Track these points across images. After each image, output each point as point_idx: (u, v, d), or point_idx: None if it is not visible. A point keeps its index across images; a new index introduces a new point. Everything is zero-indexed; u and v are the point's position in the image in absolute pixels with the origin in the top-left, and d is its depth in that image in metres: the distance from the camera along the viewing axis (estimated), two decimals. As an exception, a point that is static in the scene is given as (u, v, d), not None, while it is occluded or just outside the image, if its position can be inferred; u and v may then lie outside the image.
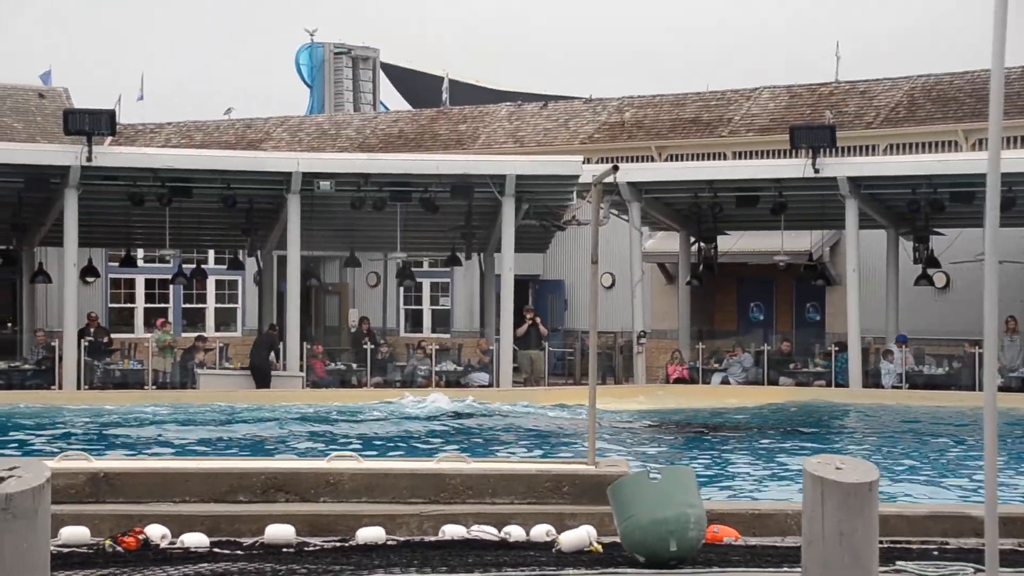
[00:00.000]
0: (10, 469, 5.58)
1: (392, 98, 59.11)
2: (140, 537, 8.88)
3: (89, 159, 27.39)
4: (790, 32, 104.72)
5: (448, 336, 35.88)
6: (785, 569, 8.07)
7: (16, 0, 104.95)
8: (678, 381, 30.29)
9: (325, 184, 28.67)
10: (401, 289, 36.53)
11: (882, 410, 26.55)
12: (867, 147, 35.53)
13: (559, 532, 9.18)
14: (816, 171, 28.50)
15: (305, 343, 29.45)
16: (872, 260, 30.64)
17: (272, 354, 29.05)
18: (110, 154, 28.96)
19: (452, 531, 9.37)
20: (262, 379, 28.51)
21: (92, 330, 29.68)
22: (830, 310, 33.51)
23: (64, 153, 28.13)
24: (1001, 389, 25.25)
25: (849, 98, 37.82)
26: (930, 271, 30.30)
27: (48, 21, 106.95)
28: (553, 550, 8.87)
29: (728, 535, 9.47)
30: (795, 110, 37.81)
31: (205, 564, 8.23)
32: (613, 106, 41.17)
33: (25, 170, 28.34)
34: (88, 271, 31.23)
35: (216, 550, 8.81)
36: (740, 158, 36.31)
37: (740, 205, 30.10)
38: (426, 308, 38.08)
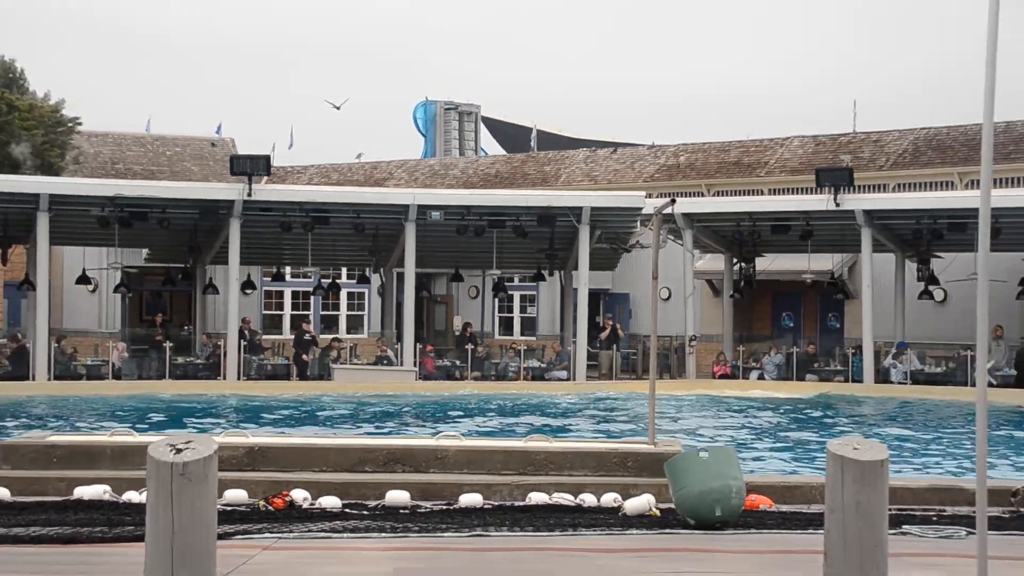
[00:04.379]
0: (186, 443, 5.66)
1: (490, 144, 59.34)
2: (287, 499, 8.94)
3: (249, 194, 27.73)
4: (814, 91, 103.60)
5: (534, 338, 35.85)
6: (811, 531, 7.97)
7: (196, 72, 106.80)
8: (722, 377, 30.02)
9: (436, 214, 28.79)
10: (496, 300, 36.58)
11: (890, 401, 26.15)
12: (879, 185, 35.06)
13: (624, 499, 9.13)
14: (837, 205, 28.18)
15: (418, 344, 29.55)
16: (883, 278, 30.21)
17: (303, 349, 29.04)
18: (266, 190, 29.30)
19: (537, 498, 9.34)
20: (300, 371, 28.71)
21: (246, 332, 29.93)
22: (848, 319, 33.07)
23: (230, 190, 28.50)
24: (988, 386, 24.81)
25: (864, 145, 37.34)
26: (931, 287, 29.81)
27: (221, 86, 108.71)
28: (619, 514, 8.83)
29: (764, 503, 9.37)
30: (820, 155, 37.39)
31: (338, 522, 8.27)
32: (670, 151, 40.97)
33: (199, 204, 28.78)
34: (247, 284, 31.58)
35: (347, 510, 8.85)
36: (775, 194, 35.97)
37: (774, 232, 29.86)
38: (516, 315, 38.09)
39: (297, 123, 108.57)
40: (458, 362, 30.21)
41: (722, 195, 36.86)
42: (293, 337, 30.61)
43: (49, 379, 26.72)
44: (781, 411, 24.31)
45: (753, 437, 19.37)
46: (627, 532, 8.16)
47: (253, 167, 27.95)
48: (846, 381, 28.85)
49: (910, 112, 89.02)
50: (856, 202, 28.77)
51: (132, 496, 8.93)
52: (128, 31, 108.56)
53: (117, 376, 27.81)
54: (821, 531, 5.93)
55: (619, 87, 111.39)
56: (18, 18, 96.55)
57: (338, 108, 48.80)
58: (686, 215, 29.95)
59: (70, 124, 42.50)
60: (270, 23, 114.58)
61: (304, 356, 28.99)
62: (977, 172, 32.11)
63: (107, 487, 9.17)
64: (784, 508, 9.33)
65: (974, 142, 34.76)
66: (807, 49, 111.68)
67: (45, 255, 27.42)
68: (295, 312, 36.55)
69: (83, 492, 9.06)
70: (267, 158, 29.13)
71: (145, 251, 33.33)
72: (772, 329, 34.57)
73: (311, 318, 35.51)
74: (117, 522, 7.93)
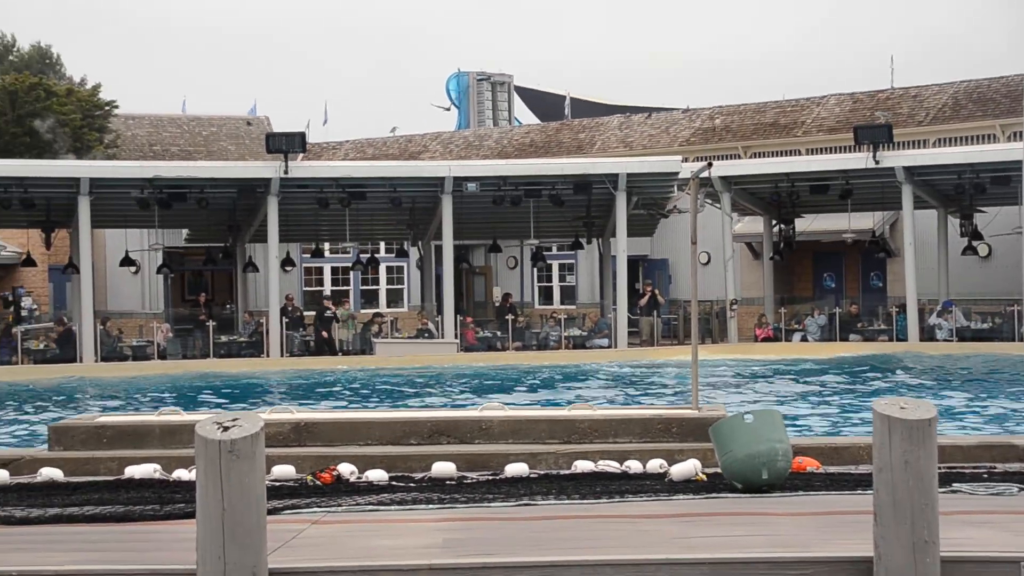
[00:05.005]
0: (233, 420, 5.71)
1: (524, 114, 59.06)
2: (334, 473, 8.97)
3: (286, 172, 27.83)
4: (850, 48, 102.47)
5: (574, 307, 35.83)
6: (859, 492, 7.92)
7: (231, 52, 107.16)
8: (765, 340, 29.90)
9: (472, 186, 28.77)
10: (535, 269, 36.57)
11: (936, 359, 25.94)
12: (919, 141, 34.67)
13: (670, 465, 9.10)
14: (877, 163, 27.92)
15: (458, 316, 29.59)
16: (925, 235, 29.94)
17: (325, 325, 29.09)
18: (302, 167, 29.41)
19: (582, 465, 9.32)
20: (319, 348, 28.75)
21: (289, 308, 30.00)
22: (891, 278, 32.82)
23: (267, 168, 28.62)
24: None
25: (903, 101, 36.91)
26: (975, 243, 29.53)
27: (253, 64, 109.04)
28: (665, 480, 8.81)
29: (811, 465, 9.31)
30: (858, 113, 37.00)
31: (385, 494, 8.30)
32: (706, 114, 40.68)
33: (237, 183, 28.93)
34: (287, 262, 31.71)
35: (393, 483, 8.88)
36: (812, 154, 35.67)
37: (813, 192, 29.64)
38: (555, 284, 38.07)
39: (331, 99, 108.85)
40: (499, 333, 30.26)
41: (759, 157, 36.58)
42: (314, 314, 30.67)
43: (96, 361, 27.03)
44: (825, 372, 24.18)
45: (798, 399, 19.29)
46: (674, 497, 8.14)
47: (289, 144, 28.05)
48: (890, 340, 28.65)
49: (950, 65, 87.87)
50: (896, 159, 28.48)
51: (181, 474, 9.02)
52: (158, 12, 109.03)
53: (162, 356, 28.09)
54: (870, 492, 5.89)
55: (652, 51, 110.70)
56: (51, 3, 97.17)
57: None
58: (723, 178, 29.75)
59: (107, 107, 42.82)
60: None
61: (323, 333, 29.06)
62: (1020, 124, 31.65)
63: (157, 466, 9.27)
64: (831, 469, 9.27)
65: (1016, 93, 34.26)
66: (842, 6, 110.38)
67: (88, 238, 27.68)
68: (335, 288, 36.72)
69: (134, 471, 9.17)
70: (302, 135, 29.19)
71: (185, 231, 33.56)
72: (814, 290, 34.37)
73: (350, 293, 35.70)
74: (168, 500, 8.02)
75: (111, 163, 32.94)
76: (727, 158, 36.27)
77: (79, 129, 39.98)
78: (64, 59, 52.68)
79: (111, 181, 28.10)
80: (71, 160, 34.01)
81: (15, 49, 52.40)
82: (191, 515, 5.91)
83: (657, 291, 31.17)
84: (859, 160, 28.59)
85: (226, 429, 5.60)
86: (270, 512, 6.23)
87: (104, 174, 28.31)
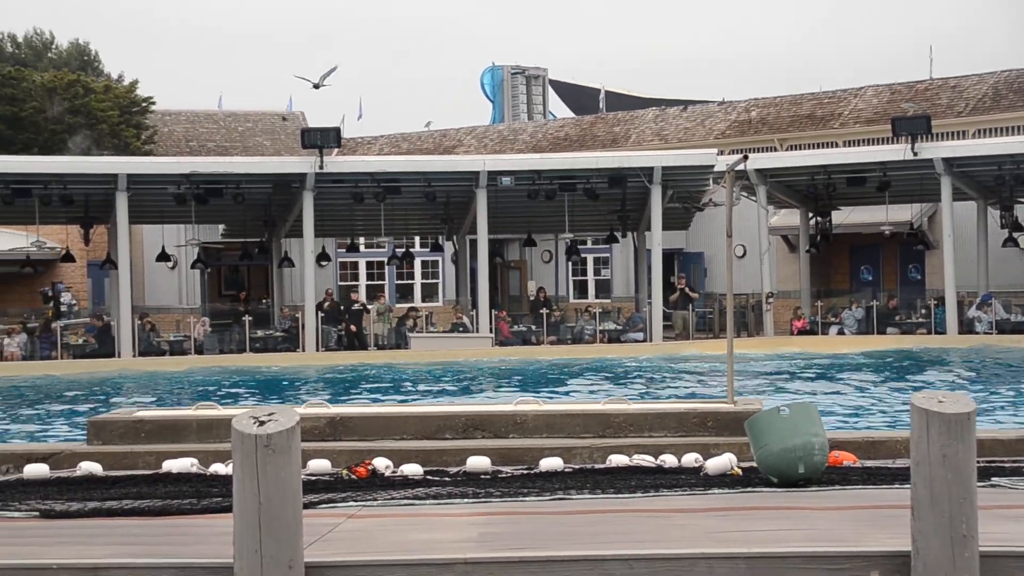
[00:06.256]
0: (269, 415, 5.74)
1: (559, 108, 58.95)
2: (369, 467, 8.99)
3: (321, 167, 27.93)
4: (888, 38, 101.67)
5: (609, 301, 35.75)
6: (896, 486, 7.86)
7: (269, 48, 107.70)
8: (801, 333, 29.73)
9: (506, 180, 28.77)
10: (569, 263, 36.51)
11: (976, 352, 25.71)
12: (958, 132, 34.36)
13: (705, 459, 9.06)
14: (915, 154, 27.69)
15: (493, 310, 29.59)
16: (964, 227, 29.67)
17: (355, 319, 29.10)
18: (337, 162, 29.49)
19: (617, 460, 9.29)
20: (351, 343, 28.80)
21: (326, 304, 30.03)
22: (929, 270, 32.55)
23: (302, 163, 28.73)
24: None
25: (942, 92, 36.57)
26: (1015, 234, 29.24)
27: (290, 61, 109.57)
28: (700, 474, 8.78)
29: (847, 459, 9.25)
30: (895, 104, 36.70)
31: (421, 488, 8.32)
32: (741, 107, 40.46)
33: (273, 178, 29.07)
34: (322, 257, 31.84)
35: (428, 477, 8.89)
36: (849, 146, 35.40)
37: (850, 185, 29.44)
38: (590, 278, 38.01)
39: (365, 94, 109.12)
40: (534, 327, 30.26)
41: (795, 149, 36.37)
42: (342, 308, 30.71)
43: (134, 356, 27.26)
44: (862, 366, 24.02)
45: (834, 393, 19.17)
46: (709, 492, 8.10)
47: (324, 139, 28.15)
48: (929, 333, 28.42)
49: (990, 55, 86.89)
50: (934, 150, 28.24)
51: (219, 468, 9.06)
52: (194, 9, 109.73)
53: (199, 351, 28.27)
54: (907, 486, 5.85)
55: (687, 44, 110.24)
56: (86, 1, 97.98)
57: (317, 86, 46.24)
58: (759, 171, 29.60)
59: (144, 104, 43.15)
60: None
61: (352, 327, 29.11)
62: (1060, 115, 31.33)
63: (194, 460, 9.33)
64: (868, 464, 9.21)
65: (1056, 84, 33.87)
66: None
67: (125, 234, 27.91)
68: (370, 283, 36.84)
69: (171, 465, 9.24)
70: (337, 130, 29.28)
71: (222, 227, 33.76)
72: (851, 283, 34.14)
73: (385, 288, 35.82)
74: (205, 494, 8.07)
75: (148, 159, 33.19)
76: (763, 151, 36.08)
77: (116, 126, 40.30)
78: (102, 56, 53.12)
79: (148, 177, 28.32)
80: (109, 156, 34.29)
81: (53, 46, 52.92)
82: (228, 509, 5.95)
83: (688, 288, 31.01)
84: (897, 152, 28.36)
85: (262, 423, 5.63)
86: (306, 506, 6.27)
87: (141, 170, 28.54)
